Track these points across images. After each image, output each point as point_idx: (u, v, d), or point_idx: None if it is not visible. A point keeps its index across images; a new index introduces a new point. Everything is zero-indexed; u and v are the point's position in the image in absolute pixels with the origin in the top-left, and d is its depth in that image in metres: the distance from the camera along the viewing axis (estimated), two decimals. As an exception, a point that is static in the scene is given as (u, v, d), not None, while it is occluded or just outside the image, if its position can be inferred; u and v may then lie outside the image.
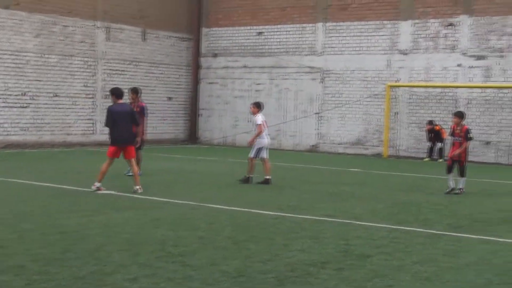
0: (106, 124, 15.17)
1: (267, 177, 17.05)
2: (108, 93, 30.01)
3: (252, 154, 17.19)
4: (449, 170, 16.22)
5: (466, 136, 16.12)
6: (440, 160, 26.59)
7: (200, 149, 31.08)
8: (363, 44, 29.73)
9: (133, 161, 15.13)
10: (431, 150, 27.40)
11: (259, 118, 17.24)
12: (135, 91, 18.12)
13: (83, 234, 9.89)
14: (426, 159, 27.28)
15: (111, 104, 15.28)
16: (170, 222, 11.12)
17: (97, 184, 14.63)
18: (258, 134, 17.14)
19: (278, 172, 20.64)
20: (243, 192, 15.45)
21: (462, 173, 16.14)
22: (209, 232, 10.35)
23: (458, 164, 16.16)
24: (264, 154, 17.25)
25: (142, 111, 17.76)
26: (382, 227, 11.24)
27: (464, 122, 16.46)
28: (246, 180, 17.14)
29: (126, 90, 17.07)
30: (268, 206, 13.21)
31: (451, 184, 16.11)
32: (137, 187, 14.72)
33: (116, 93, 15.09)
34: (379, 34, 29.33)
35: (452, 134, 16.35)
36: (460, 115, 16.44)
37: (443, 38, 28.02)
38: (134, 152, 15.26)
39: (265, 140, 17.27)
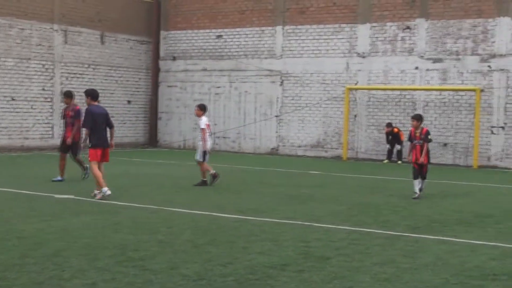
0: (86, 125, 14.57)
1: (205, 179, 17.25)
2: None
3: (198, 157, 17.37)
4: (416, 175, 16.14)
5: (426, 138, 16.22)
6: (399, 162, 26.86)
7: (160, 152, 30.95)
8: (321, 47, 29.91)
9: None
10: (390, 152, 27.65)
11: (203, 121, 17.32)
12: (69, 95, 18.05)
13: (42, 239, 9.78)
14: (385, 161, 27.53)
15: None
16: (129, 226, 11.05)
17: (105, 190, 14.13)
18: (205, 138, 17.24)
19: (238, 175, 20.67)
20: (203, 196, 15.42)
21: (424, 176, 16.24)
22: (169, 235, 10.32)
23: (421, 167, 16.21)
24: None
25: (78, 115, 17.46)
26: (341, 229, 11.32)
27: (422, 125, 16.59)
28: (203, 183, 17.13)
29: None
30: (228, 209, 13.21)
31: (417, 189, 16.08)
32: (96, 192, 14.56)
33: (92, 94, 14.76)
34: (338, 37, 29.54)
35: (411, 138, 16.36)
36: (418, 118, 16.52)
37: (401, 41, 28.33)
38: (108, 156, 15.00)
39: (208, 143, 17.40)
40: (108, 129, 14.98)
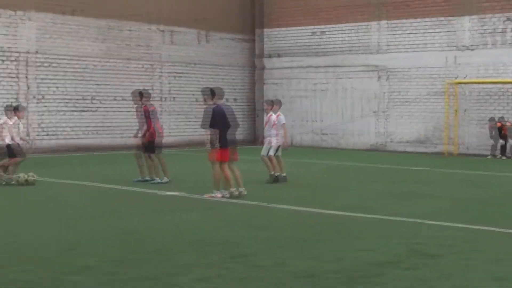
0: (215, 126, 13.69)
1: (283, 174, 16.99)
2: (166, 96, 30.42)
3: (272, 152, 17.03)
4: None
5: None
6: (503, 157, 26.03)
7: (260, 149, 30.98)
8: (426, 40, 29.26)
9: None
10: (494, 147, 26.74)
11: (283, 117, 17.29)
12: (141, 95, 17.26)
13: (150, 235, 9.94)
14: (489, 157, 26.64)
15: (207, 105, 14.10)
16: (236, 222, 11.11)
17: (232, 190, 13.89)
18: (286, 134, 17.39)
19: (341, 172, 20.52)
20: (308, 192, 15.34)
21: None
22: (275, 232, 10.29)
23: None
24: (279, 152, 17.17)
25: (152, 115, 16.91)
26: (450, 226, 11.01)
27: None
28: (274, 178, 16.81)
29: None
30: (333, 206, 13.08)
31: None
32: (233, 189, 14.00)
33: (214, 92, 13.97)
34: (443, 30, 28.83)
35: None
36: None
37: (502, 33, 27.44)
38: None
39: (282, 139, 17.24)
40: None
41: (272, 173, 16.86)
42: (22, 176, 15.64)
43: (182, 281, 7.34)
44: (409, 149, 29.58)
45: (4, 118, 16.55)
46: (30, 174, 15.78)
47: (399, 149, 29.93)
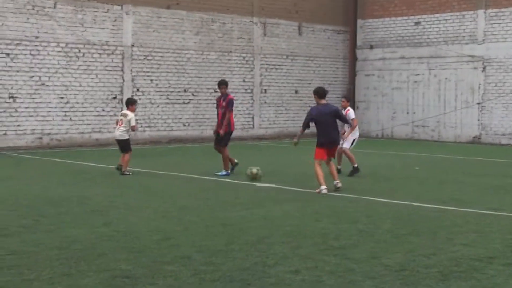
0: (303, 125, 14.55)
1: (355, 165, 17.02)
2: (265, 88, 30.66)
3: (348, 145, 17.32)
4: None
5: None
6: None
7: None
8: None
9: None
10: None
11: (353, 112, 17.70)
12: (224, 83, 17.18)
13: (245, 226, 10.08)
14: None
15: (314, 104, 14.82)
16: (329, 215, 11.12)
17: (322, 188, 13.83)
18: (354, 128, 17.38)
19: (439, 164, 20.19)
20: (402, 185, 15.19)
21: None
22: (369, 225, 10.27)
23: None
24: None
25: (230, 105, 16.84)
26: (552, 222, 10.72)
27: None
28: (356, 170, 16.84)
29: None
30: (429, 199, 12.92)
31: None
32: (337, 181, 14.18)
33: (318, 92, 14.33)
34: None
35: None
36: None
37: None
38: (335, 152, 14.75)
39: (357, 133, 17.91)
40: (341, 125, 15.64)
41: (356, 165, 16.92)
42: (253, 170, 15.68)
43: (276, 272, 7.44)
44: (509, 141, 28.77)
45: (128, 112, 16.96)
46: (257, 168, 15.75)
47: (497, 141, 29.16)
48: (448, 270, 7.58)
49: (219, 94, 17.36)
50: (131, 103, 17.19)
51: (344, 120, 15.46)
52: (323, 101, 14.33)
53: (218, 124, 17.07)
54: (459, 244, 8.89)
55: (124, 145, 16.86)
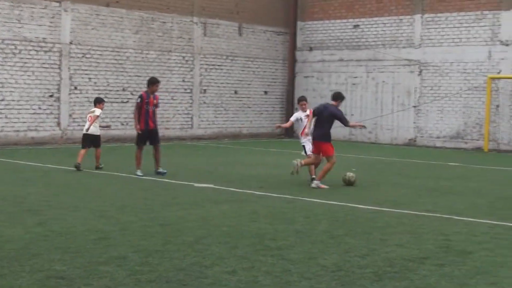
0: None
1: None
2: (205, 88, 30.61)
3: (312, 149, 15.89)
4: None
5: None
6: None
7: (296, 143, 31.02)
8: (462, 35, 29.06)
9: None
10: None
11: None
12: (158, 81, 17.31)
13: (183, 226, 10.06)
14: None
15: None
16: (267, 216, 11.17)
17: (317, 183, 14.98)
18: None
19: (375, 166, 20.47)
20: (340, 186, 15.36)
21: None
22: (306, 225, 10.36)
23: None
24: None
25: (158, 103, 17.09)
26: (483, 223, 10.97)
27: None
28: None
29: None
30: (365, 201, 13.10)
31: None
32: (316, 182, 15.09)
33: (333, 96, 16.01)
34: (479, 25, 28.60)
35: None
36: None
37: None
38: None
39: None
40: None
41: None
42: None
43: (212, 273, 7.45)
44: (444, 144, 29.37)
45: (96, 109, 17.89)
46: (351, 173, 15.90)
47: (432, 144, 29.74)
48: (382, 270, 7.71)
49: (143, 91, 17.37)
50: (98, 102, 18.13)
51: (344, 122, 15.88)
52: (334, 103, 15.74)
53: (150, 121, 16.77)
54: (393, 245, 9.05)
55: (96, 140, 17.73)
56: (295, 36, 34.19)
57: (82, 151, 17.46)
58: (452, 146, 29.07)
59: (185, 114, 30.13)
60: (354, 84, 32.26)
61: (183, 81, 29.92)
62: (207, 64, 30.87)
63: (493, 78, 27.87)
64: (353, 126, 17.63)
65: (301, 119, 16.23)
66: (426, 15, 29.96)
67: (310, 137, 15.83)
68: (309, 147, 15.90)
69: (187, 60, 30.11)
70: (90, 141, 17.67)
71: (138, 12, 28.25)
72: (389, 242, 9.25)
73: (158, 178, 15.95)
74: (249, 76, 32.64)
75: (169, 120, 29.51)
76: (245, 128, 32.43)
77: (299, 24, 34.09)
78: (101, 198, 12.73)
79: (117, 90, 27.76)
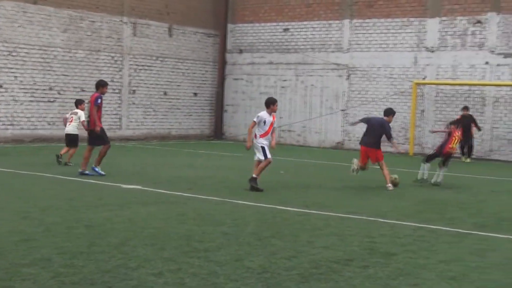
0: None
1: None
2: (134, 88, 30.32)
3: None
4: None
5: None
6: (467, 160, 26.10)
7: (225, 144, 31.11)
8: (389, 41, 29.59)
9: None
10: (462, 148, 26.36)
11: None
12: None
13: (109, 228, 9.94)
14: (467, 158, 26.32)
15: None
16: (194, 218, 11.13)
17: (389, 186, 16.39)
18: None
19: (303, 169, 20.62)
20: (268, 189, 15.40)
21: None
22: (234, 228, 10.36)
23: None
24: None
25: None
26: (407, 225, 11.18)
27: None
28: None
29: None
30: (293, 203, 13.18)
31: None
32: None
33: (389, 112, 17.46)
34: (406, 32, 29.17)
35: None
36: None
37: (471, 35, 27.79)
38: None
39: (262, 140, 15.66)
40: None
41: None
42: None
43: (138, 275, 7.37)
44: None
45: (79, 110, 19.31)
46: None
47: (359, 148, 30.06)
48: (308, 272, 7.76)
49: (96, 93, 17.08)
50: (80, 103, 19.56)
51: (388, 136, 17.05)
52: (387, 118, 17.28)
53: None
54: (320, 247, 9.13)
55: (73, 139, 19.11)
56: (226, 38, 34.21)
57: (65, 149, 19.05)
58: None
59: (114, 114, 29.79)
60: (283, 87, 32.45)
61: (112, 81, 29.55)
62: (136, 65, 30.60)
63: (418, 84, 28.46)
64: (394, 145, 17.99)
65: (264, 121, 15.62)
66: (354, 20, 30.39)
67: (267, 141, 15.51)
68: (268, 150, 15.41)
69: (116, 60, 29.78)
70: (69, 140, 19.12)
71: (66, 10, 27.81)
72: (316, 244, 9.33)
73: (85, 179, 15.72)
74: (178, 77, 32.49)
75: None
76: (174, 129, 32.27)
77: (230, 26, 34.13)
78: (24, 199, 12.48)
79: (44, 89, 27.25)
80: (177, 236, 9.49)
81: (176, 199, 13.24)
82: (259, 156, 15.25)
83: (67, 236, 9.26)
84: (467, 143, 25.47)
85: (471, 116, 25.69)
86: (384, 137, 16.90)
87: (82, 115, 18.95)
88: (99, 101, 16.72)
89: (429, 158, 17.85)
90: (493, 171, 22.16)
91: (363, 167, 17.10)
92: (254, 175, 15.11)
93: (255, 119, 15.53)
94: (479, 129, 25.77)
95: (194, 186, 15.20)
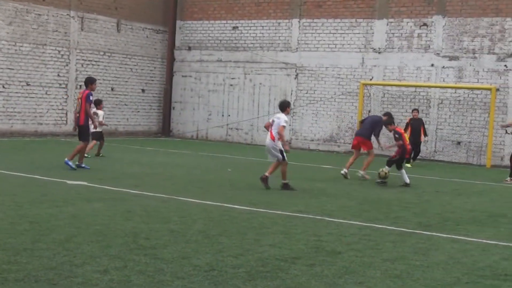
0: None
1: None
2: (80, 83, 30.00)
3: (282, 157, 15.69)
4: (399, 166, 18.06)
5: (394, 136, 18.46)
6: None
7: (173, 142, 30.97)
8: (337, 41, 29.83)
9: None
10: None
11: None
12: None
13: (53, 224, 9.80)
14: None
15: None
16: (141, 215, 11.05)
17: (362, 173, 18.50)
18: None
19: (250, 167, 20.66)
20: (215, 187, 15.41)
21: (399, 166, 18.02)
22: (181, 225, 10.31)
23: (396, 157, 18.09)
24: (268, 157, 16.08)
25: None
26: (353, 224, 11.28)
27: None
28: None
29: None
30: (240, 201, 13.19)
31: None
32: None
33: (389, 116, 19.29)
34: (354, 32, 29.45)
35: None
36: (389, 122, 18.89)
37: (417, 38, 28.19)
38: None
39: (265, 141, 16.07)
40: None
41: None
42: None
43: (83, 272, 7.28)
44: (317, 147, 30.01)
45: (99, 111, 21.24)
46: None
47: (306, 146, 30.36)
48: (254, 270, 7.77)
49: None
50: (99, 103, 21.27)
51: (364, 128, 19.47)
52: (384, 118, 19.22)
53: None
54: (267, 245, 9.15)
55: (99, 135, 21.10)
56: (174, 35, 34.05)
57: (91, 144, 20.23)
58: (326, 149, 29.78)
59: (60, 109, 29.40)
60: (231, 85, 32.46)
61: (58, 75, 29.18)
62: (83, 60, 30.24)
63: (365, 84, 28.76)
64: (378, 143, 19.62)
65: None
66: (303, 20, 30.56)
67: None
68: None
69: (62, 55, 29.39)
70: (97, 137, 20.91)
71: (12, 2, 27.33)
72: (263, 242, 9.35)
73: (30, 175, 15.49)
74: (126, 73, 32.23)
75: (43, 115, 28.71)
76: (121, 125, 32.00)
77: (178, 23, 33.98)
78: (-32, 194, 12.25)
79: (-12, 83, 26.79)
80: (123, 233, 9.41)
81: (123, 196, 13.13)
82: (278, 156, 15.51)
83: (11, 232, 9.10)
84: (414, 149, 24.08)
85: (420, 119, 25.26)
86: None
87: (101, 115, 21.22)
88: (90, 98, 17.53)
89: (391, 163, 17.95)
90: (437, 172, 22.52)
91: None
92: (284, 181, 15.65)
93: (285, 124, 15.49)
94: (425, 134, 25.58)
95: (141, 183, 15.10)
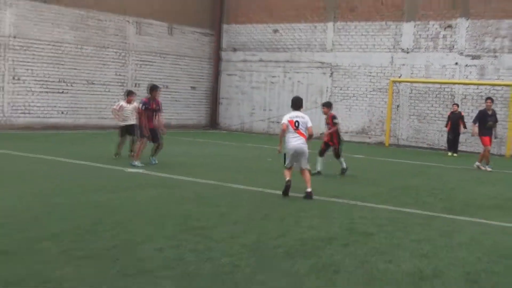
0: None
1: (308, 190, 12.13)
2: (138, 82, 30.28)
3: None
4: (322, 153, 16.54)
5: (332, 121, 16.59)
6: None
7: (220, 134, 31.13)
8: (369, 42, 29.64)
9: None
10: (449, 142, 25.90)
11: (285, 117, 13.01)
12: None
13: (114, 208, 9.95)
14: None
15: None
16: (193, 200, 11.15)
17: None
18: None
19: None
20: (259, 175, 15.46)
21: (337, 155, 16.53)
22: (229, 208, 10.39)
23: (333, 147, 16.52)
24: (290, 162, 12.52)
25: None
26: (383, 209, 11.25)
27: (332, 111, 16.93)
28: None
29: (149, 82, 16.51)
30: (279, 187, 13.15)
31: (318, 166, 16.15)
32: None
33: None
34: (384, 34, 29.22)
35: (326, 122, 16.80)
36: (327, 105, 16.95)
37: (442, 38, 27.87)
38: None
39: (288, 144, 12.67)
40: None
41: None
42: None
43: (142, 249, 7.42)
44: (351, 138, 29.90)
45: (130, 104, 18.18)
46: None
47: (344, 138, 30.15)
48: (294, 249, 7.82)
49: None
50: (130, 95, 18.39)
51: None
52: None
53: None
54: (305, 227, 9.18)
55: (132, 129, 17.49)
56: (220, 37, 34.18)
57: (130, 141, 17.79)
58: (358, 140, 29.63)
59: (118, 105, 29.66)
60: (272, 82, 32.48)
61: (117, 75, 29.50)
62: (139, 60, 30.52)
63: (394, 81, 28.53)
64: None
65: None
66: (337, 23, 30.41)
67: None
68: None
69: (122, 56, 29.68)
70: (129, 131, 17.82)
71: (75, 9, 27.67)
72: (301, 224, 9.38)
73: (94, 163, 15.71)
74: (178, 72, 32.46)
75: (104, 111, 29.05)
76: (174, 119, 32.24)
77: (224, 26, 34.08)
78: (39, 182, 12.47)
79: (55, 81, 27.18)
80: (177, 216, 9.52)
81: (176, 183, 13.22)
82: (306, 163, 12.64)
83: (74, 215, 9.26)
84: (454, 139, 24.94)
85: (460, 113, 25.03)
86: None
87: (131, 108, 18.20)
88: (141, 106, 16.36)
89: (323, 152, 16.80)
90: (461, 162, 22.28)
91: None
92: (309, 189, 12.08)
93: (311, 124, 12.97)
94: (464, 127, 25.29)
95: (193, 171, 15.21)
